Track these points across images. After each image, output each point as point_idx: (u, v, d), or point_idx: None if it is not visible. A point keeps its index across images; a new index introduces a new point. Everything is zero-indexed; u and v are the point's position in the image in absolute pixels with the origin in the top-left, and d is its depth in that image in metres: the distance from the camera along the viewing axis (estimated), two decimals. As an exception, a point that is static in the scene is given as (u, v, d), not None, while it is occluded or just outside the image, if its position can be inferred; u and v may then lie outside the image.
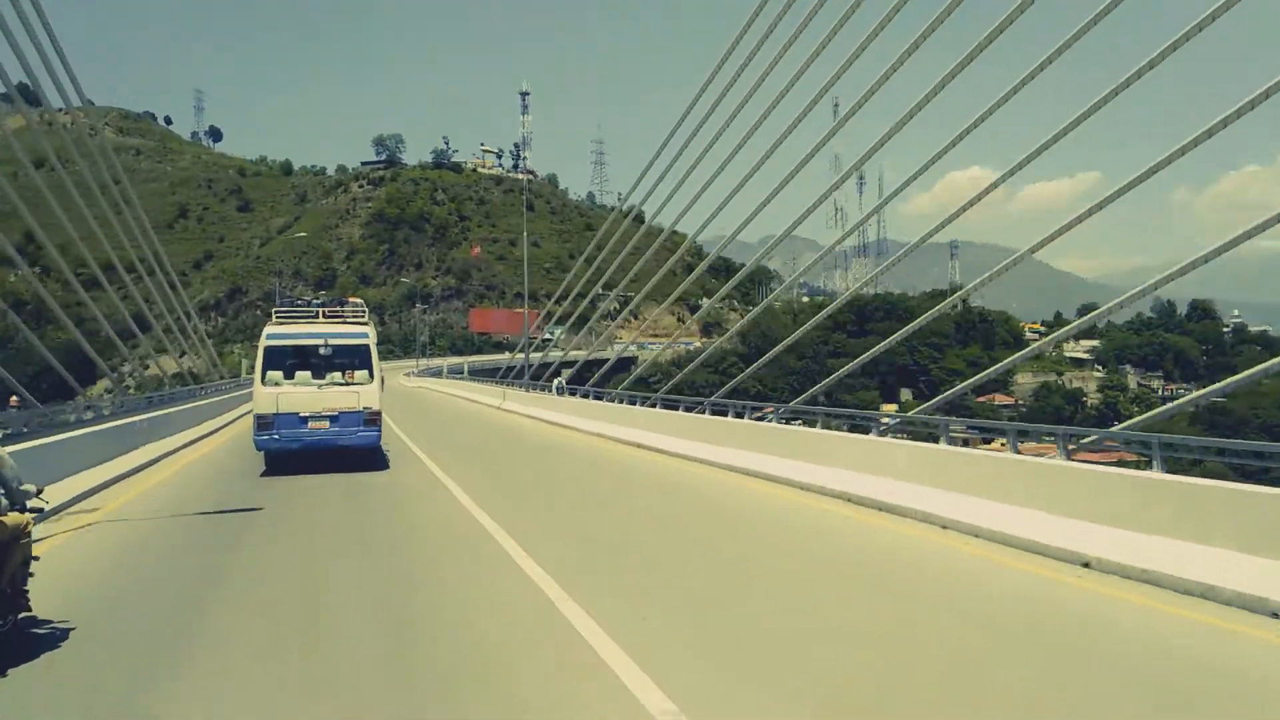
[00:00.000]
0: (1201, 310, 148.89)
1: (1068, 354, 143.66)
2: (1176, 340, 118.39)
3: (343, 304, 15.62)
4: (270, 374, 13.97)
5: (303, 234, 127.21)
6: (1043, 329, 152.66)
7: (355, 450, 14.35)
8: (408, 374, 74.25)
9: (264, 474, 13.77)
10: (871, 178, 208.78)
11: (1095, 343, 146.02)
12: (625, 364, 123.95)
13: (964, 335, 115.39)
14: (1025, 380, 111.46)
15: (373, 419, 14.13)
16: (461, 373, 71.67)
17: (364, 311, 15.30)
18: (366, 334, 14.57)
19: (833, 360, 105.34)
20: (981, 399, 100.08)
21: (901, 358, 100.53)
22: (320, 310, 15.09)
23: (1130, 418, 17.94)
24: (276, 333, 14.29)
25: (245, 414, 27.09)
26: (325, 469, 13.83)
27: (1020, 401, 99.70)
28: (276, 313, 14.91)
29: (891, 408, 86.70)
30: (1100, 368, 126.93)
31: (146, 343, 36.76)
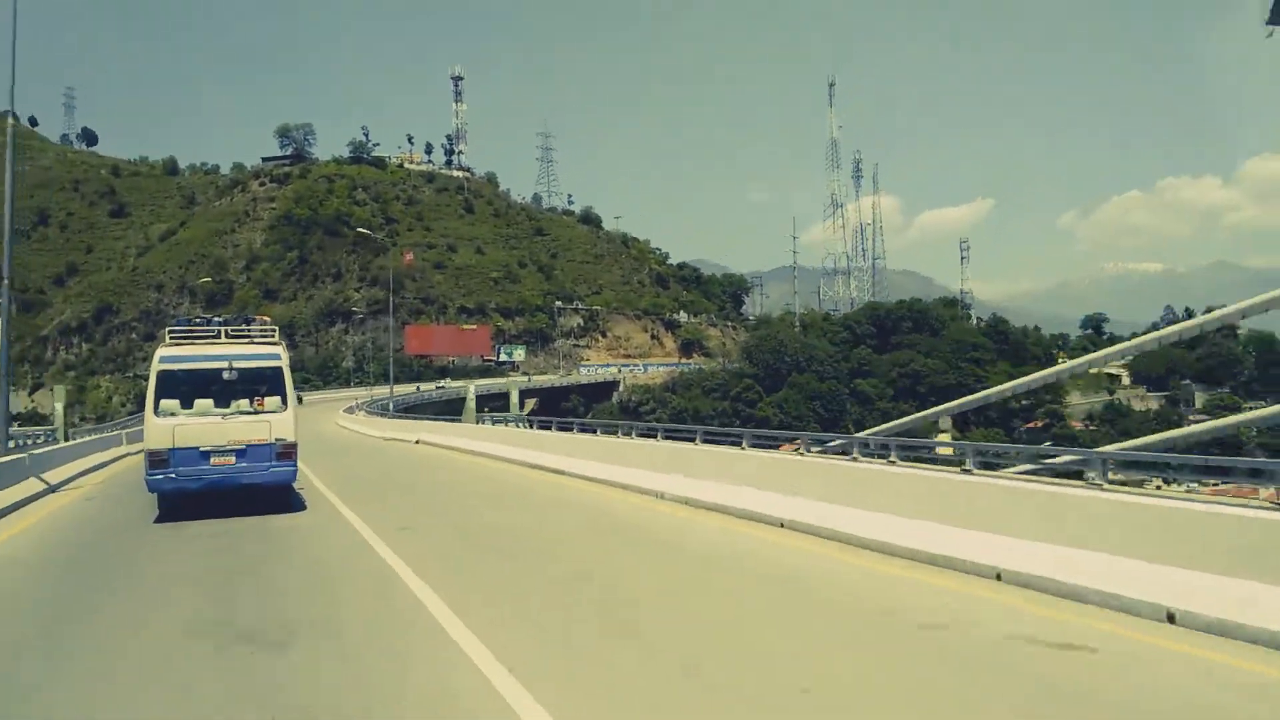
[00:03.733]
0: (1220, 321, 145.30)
1: (1097, 372, 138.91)
2: (1238, 352, 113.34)
3: (249, 322, 15.36)
4: (165, 403, 13.53)
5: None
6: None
7: (266, 489, 14.02)
8: (349, 409, 57.71)
9: (158, 520, 13.28)
10: (866, 170, 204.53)
11: (1130, 359, 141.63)
12: (603, 390, 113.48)
13: (996, 351, 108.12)
14: (1077, 402, 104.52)
15: (287, 452, 13.88)
16: (502, 412, 49.09)
17: (273, 332, 15.11)
18: (278, 354, 14.43)
19: (858, 380, 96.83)
20: (1031, 425, 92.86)
21: (943, 376, 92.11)
22: (222, 329, 14.75)
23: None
24: (172, 355, 13.98)
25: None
26: (231, 512, 13.41)
27: (1090, 426, 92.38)
28: (171, 333, 14.60)
29: (946, 436, 77.80)
30: (1138, 385, 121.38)
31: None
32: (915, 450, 16.06)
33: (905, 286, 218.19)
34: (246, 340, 14.52)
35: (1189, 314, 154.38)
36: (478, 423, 35.51)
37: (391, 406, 48.77)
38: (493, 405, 61.10)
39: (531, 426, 26.43)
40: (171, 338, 14.42)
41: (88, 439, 28.70)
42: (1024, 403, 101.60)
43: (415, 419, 41.18)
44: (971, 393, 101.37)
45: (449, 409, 68.74)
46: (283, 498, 14.69)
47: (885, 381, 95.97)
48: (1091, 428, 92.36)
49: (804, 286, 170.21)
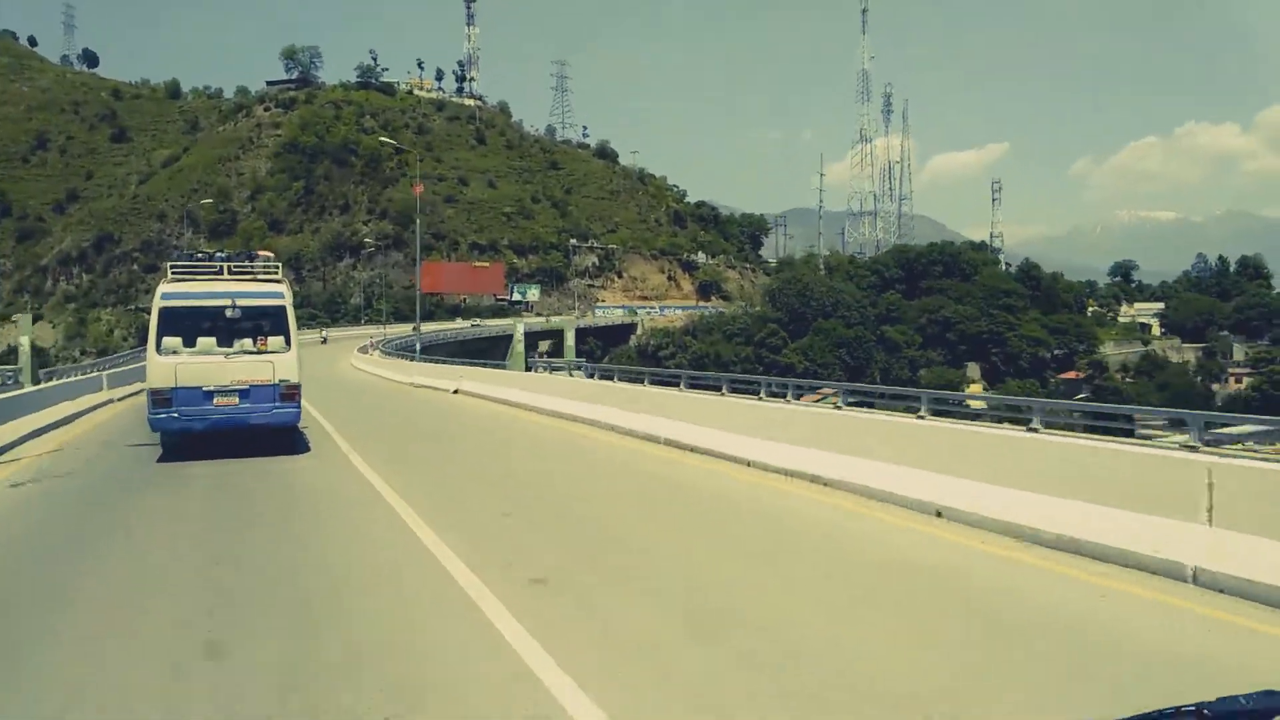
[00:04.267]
0: (1254, 268, 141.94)
1: (1129, 318, 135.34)
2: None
3: (252, 258, 15.10)
4: (167, 340, 13.58)
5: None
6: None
7: (270, 429, 14.13)
8: (363, 348, 53.63)
9: (161, 460, 13.40)
10: (896, 105, 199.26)
11: (1159, 306, 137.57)
12: (620, 332, 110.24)
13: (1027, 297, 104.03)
14: (1111, 352, 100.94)
15: (290, 393, 13.91)
16: (559, 358, 41.66)
17: (277, 268, 15.02)
18: (282, 293, 14.42)
19: (885, 326, 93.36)
20: (1069, 376, 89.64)
21: (975, 323, 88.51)
22: (225, 265, 14.56)
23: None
24: (174, 291, 13.94)
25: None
26: (235, 453, 13.42)
27: (1127, 378, 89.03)
28: (173, 268, 14.55)
29: (977, 388, 75.34)
30: (1169, 335, 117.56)
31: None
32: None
33: (920, 231, 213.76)
34: (250, 277, 14.41)
35: (1223, 262, 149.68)
36: (526, 369, 32.17)
37: (419, 347, 45.43)
38: (528, 348, 56.99)
39: (618, 379, 21.88)
40: (173, 273, 14.33)
41: (54, 384, 23.36)
42: (1056, 353, 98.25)
43: (450, 364, 35.92)
44: (1000, 340, 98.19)
45: (463, 350, 65.82)
46: (287, 438, 14.57)
47: (914, 328, 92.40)
48: (1128, 380, 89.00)
49: (824, 228, 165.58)
